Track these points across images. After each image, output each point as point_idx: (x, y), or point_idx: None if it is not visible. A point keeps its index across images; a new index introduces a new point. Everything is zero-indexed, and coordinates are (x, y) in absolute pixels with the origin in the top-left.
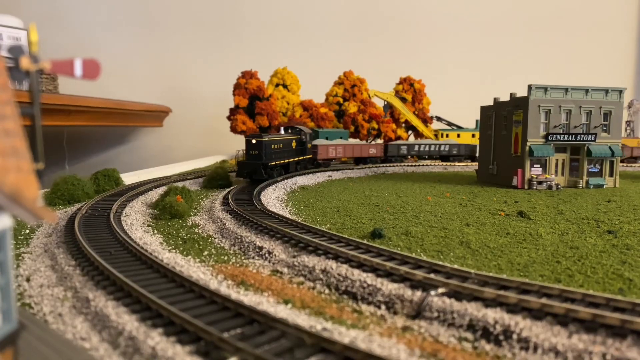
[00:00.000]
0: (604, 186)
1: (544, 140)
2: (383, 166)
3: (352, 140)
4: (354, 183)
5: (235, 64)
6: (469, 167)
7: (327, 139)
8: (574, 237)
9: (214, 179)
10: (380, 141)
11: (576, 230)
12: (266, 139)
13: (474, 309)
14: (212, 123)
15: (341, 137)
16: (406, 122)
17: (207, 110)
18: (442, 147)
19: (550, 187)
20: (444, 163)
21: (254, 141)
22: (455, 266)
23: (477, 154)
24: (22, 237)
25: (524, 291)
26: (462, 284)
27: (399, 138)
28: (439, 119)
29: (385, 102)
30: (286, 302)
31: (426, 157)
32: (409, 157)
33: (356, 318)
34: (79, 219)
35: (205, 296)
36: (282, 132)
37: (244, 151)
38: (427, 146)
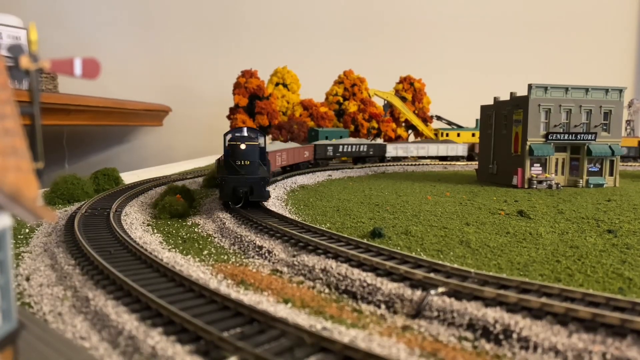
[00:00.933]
0: (604, 185)
1: (544, 139)
2: (383, 165)
3: (291, 144)
4: (353, 182)
5: (235, 63)
6: (469, 166)
7: (327, 138)
8: (574, 236)
9: (213, 178)
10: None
11: (576, 230)
12: (261, 143)
13: (473, 309)
14: (212, 122)
15: (341, 137)
16: (406, 121)
17: (207, 110)
18: (361, 148)
19: (550, 187)
20: (444, 162)
21: (243, 146)
22: (455, 265)
23: (387, 154)
24: (21, 237)
25: (523, 290)
26: (462, 283)
27: (399, 137)
28: (439, 118)
29: (385, 101)
30: (286, 302)
31: (349, 158)
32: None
33: (356, 317)
34: (78, 218)
35: (205, 295)
36: (245, 133)
37: (221, 161)
38: (350, 146)
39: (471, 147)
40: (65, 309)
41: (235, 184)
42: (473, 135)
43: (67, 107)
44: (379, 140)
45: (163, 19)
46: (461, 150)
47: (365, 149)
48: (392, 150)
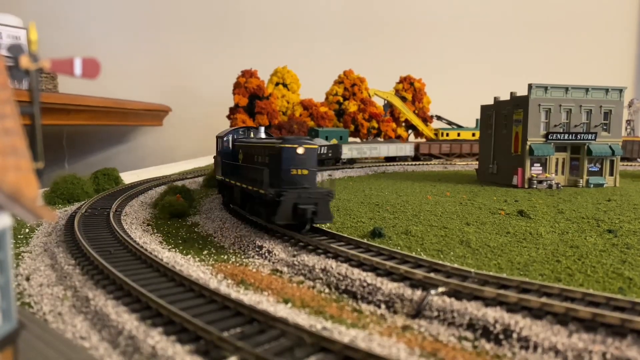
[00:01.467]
0: (604, 185)
1: (544, 139)
2: (383, 165)
3: None
4: (354, 182)
5: (235, 63)
6: (470, 166)
7: (327, 138)
8: (574, 236)
9: (213, 178)
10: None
11: (576, 230)
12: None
13: (473, 308)
14: (211, 122)
15: (341, 137)
16: (406, 121)
17: (207, 109)
18: (322, 150)
19: (550, 186)
20: (444, 162)
21: (301, 150)
22: (456, 265)
23: (342, 155)
24: (21, 236)
25: (523, 290)
26: (462, 283)
27: (399, 137)
28: (439, 118)
29: (385, 101)
30: (286, 302)
31: None
32: None
33: (356, 317)
34: (78, 218)
35: (205, 295)
36: (263, 134)
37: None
38: None
39: (416, 147)
40: (65, 308)
41: (297, 201)
42: (473, 135)
43: (67, 107)
44: (380, 140)
45: (163, 18)
46: (409, 150)
47: (325, 151)
48: (347, 151)
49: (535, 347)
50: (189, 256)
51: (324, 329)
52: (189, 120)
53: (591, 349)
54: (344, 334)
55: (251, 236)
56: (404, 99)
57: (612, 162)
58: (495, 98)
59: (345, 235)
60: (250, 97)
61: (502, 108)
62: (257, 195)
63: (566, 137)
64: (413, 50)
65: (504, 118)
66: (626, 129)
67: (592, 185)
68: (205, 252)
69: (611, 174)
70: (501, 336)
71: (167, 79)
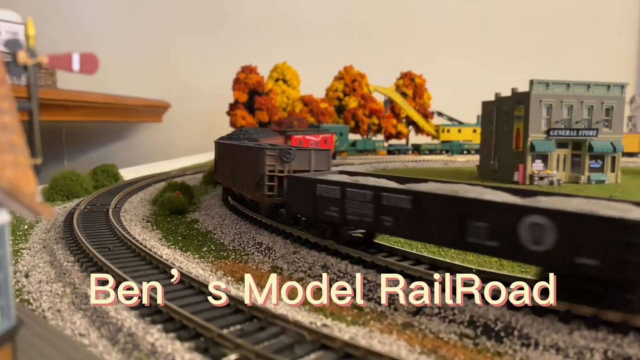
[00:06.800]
0: (606, 182)
1: (545, 135)
2: (383, 162)
3: None
4: None
5: (234, 59)
6: (470, 162)
7: None
8: None
9: (213, 174)
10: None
11: None
12: None
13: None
14: (211, 118)
15: (342, 133)
16: (407, 117)
17: (207, 106)
18: None
19: (551, 183)
20: (445, 158)
21: None
22: (456, 262)
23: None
24: (20, 233)
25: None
26: None
27: (399, 133)
28: (440, 114)
29: (386, 97)
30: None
31: None
32: None
33: (356, 314)
34: (77, 215)
35: (204, 292)
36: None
37: None
38: None
39: None
40: (64, 305)
41: None
42: (474, 131)
43: (66, 103)
44: (380, 137)
45: (163, 14)
46: None
47: None
48: None
49: (537, 345)
50: (189, 253)
51: (324, 326)
52: (189, 117)
53: (592, 347)
54: (345, 331)
55: (251, 233)
56: (404, 95)
57: (613, 158)
58: (496, 94)
59: None
60: (250, 93)
61: (503, 104)
62: None
63: (567, 133)
64: (414, 46)
65: (505, 114)
66: (627, 125)
67: (593, 182)
68: (204, 248)
69: (612, 171)
70: (502, 333)
71: (166, 75)
